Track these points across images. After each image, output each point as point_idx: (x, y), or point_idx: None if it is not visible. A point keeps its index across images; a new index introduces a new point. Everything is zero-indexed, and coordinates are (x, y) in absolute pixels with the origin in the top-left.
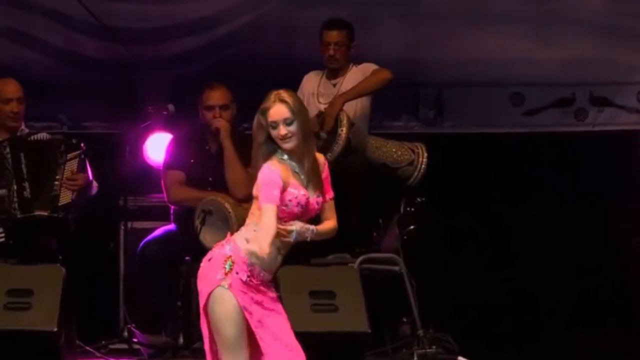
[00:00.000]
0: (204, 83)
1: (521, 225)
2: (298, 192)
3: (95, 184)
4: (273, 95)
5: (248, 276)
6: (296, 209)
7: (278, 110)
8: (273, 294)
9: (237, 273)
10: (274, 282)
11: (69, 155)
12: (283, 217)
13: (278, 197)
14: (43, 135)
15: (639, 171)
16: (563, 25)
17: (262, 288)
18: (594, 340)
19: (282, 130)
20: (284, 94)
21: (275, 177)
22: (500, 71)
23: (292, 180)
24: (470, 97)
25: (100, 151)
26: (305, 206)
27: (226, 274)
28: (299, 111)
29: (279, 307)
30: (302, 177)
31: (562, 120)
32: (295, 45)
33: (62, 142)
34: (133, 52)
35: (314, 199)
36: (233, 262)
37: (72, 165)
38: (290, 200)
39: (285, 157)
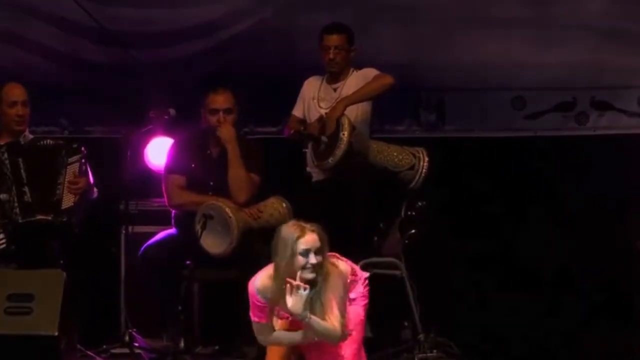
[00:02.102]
0: (208, 87)
1: (523, 229)
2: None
3: (95, 189)
4: (299, 225)
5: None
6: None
7: (311, 239)
8: None
9: None
10: None
11: (70, 159)
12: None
13: (261, 316)
14: (46, 141)
15: (639, 175)
16: (564, 29)
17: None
18: (599, 345)
19: (314, 258)
20: (311, 225)
21: (254, 300)
22: (502, 75)
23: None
24: (472, 101)
25: (102, 155)
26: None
27: None
28: (325, 245)
29: None
30: None
31: (563, 124)
32: (296, 50)
33: (62, 146)
34: (134, 56)
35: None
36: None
37: (73, 169)
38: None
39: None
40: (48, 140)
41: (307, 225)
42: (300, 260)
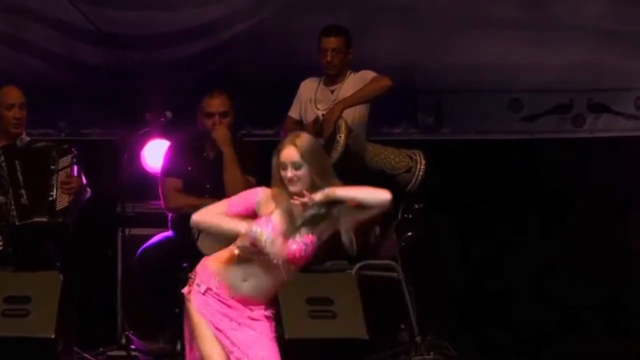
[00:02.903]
0: (207, 88)
1: (520, 231)
2: (268, 226)
3: (88, 188)
4: (290, 136)
5: (208, 289)
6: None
7: (288, 152)
8: (253, 313)
9: (197, 285)
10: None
11: (62, 160)
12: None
13: (237, 210)
14: (38, 143)
15: (636, 177)
16: (561, 31)
17: (232, 303)
18: (599, 345)
19: (289, 172)
20: (299, 138)
21: (250, 199)
22: (499, 78)
23: (272, 217)
24: (469, 103)
25: (98, 157)
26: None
27: (190, 285)
28: (310, 157)
29: (255, 324)
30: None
31: (560, 126)
32: (295, 51)
33: (52, 147)
34: (131, 58)
35: (294, 242)
36: (195, 274)
37: (65, 170)
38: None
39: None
40: (40, 142)
41: (292, 138)
42: (282, 174)
